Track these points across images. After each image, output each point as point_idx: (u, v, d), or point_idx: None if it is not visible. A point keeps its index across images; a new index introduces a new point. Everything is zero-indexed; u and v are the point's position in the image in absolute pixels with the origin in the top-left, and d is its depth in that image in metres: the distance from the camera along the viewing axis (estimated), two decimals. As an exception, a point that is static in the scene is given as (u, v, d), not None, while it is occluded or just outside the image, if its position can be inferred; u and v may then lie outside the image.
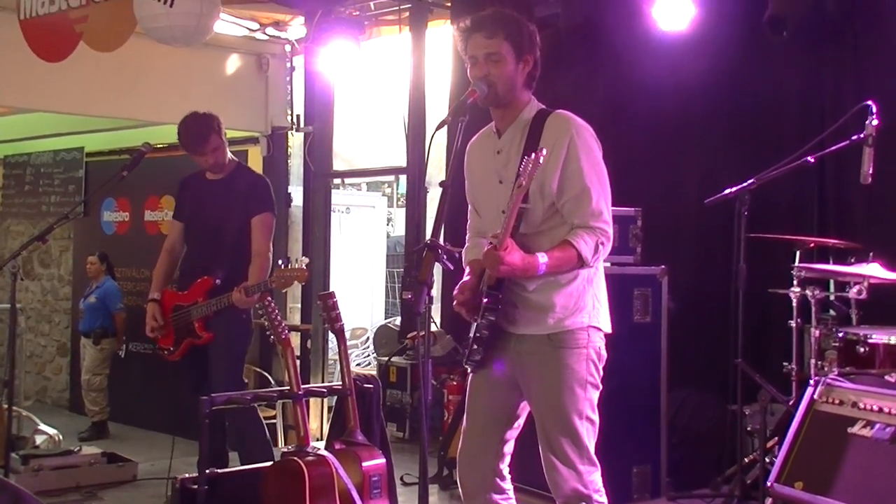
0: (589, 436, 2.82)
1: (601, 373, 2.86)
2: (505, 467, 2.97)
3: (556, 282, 2.81)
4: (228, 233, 4.41)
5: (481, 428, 2.95)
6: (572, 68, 5.12)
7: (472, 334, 2.87)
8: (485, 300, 2.79)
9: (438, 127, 2.80)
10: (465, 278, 2.94)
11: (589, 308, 2.85)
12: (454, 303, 2.89)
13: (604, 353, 2.88)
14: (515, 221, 2.69)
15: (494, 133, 2.95)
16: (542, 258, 2.69)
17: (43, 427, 5.72)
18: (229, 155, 4.59)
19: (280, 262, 4.08)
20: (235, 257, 4.38)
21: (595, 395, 2.84)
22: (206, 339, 4.38)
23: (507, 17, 2.86)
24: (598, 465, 2.84)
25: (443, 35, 6.36)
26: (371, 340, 8.83)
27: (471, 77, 2.84)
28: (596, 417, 2.84)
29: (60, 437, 5.69)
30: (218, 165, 4.50)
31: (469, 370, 2.98)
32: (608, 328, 2.92)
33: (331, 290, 4.29)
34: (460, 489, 3.00)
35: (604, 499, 2.84)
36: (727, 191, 4.05)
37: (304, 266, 4.00)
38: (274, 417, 6.11)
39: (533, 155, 2.61)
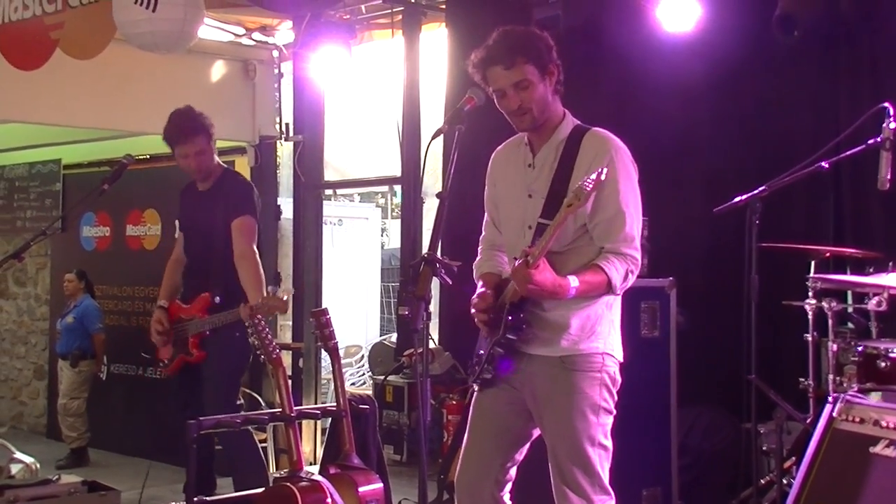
0: (602, 463, 2.80)
1: (615, 398, 2.85)
2: (506, 495, 2.95)
3: (575, 302, 2.79)
4: (217, 245, 4.42)
5: (483, 452, 2.93)
6: (573, 72, 5.09)
7: (484, 351, 2.86)
8: (509, 318, 2.77)
9: (434, 136, 2.81)
10: (480, 290, 2.92)
11: (605, 334, 2.85)
12: (473, 311, 2.87)
13: (618, 377, 2.87)
14: (543, 239, 2.66)
15: (527, 145, 2.94)
16: (574, 282, 2.67)
17: (19, 455, 5.66)
18: (217, 161, 4.60)
19: (270, 289, 4.12)
20: (229, 270, 4.37)
21: (609, 421, 2.83)
22: (197, 358, 4.39)
23: (518, 37, 2.82)
24: (612, 494, 2.83)
25: (437, 39, 6.38)
26: (366, 359, 8.81)
27: (501, 108, 2.84)
28: (609, 444, 2.83)
29: (38, 465, 5.63)
30: (200, 172, 4.50)
31: (475, 388, 2.96)
32: (621, 357, 2.91)
33: (323, 306, 4.29)
34: None
35: None
36: (737, 199, 4.05)
37: (285, 298, 4.01)
38: (264, 441, 6.08)
39: (594, 175, 2.58)
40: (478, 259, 3.07)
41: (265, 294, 4.09)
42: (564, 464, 2.79)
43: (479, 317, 2.86)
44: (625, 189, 2.78)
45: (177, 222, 4.98)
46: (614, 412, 2.85)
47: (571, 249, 2.79)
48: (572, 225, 2.76)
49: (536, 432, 2.93)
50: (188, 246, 4.64)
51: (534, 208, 2.83)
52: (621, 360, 2.91)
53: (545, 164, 2.86)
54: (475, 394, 2.98)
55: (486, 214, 3.10)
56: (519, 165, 2.94)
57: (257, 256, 4.40)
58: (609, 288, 2.73)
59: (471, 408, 3.00)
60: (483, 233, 3.11)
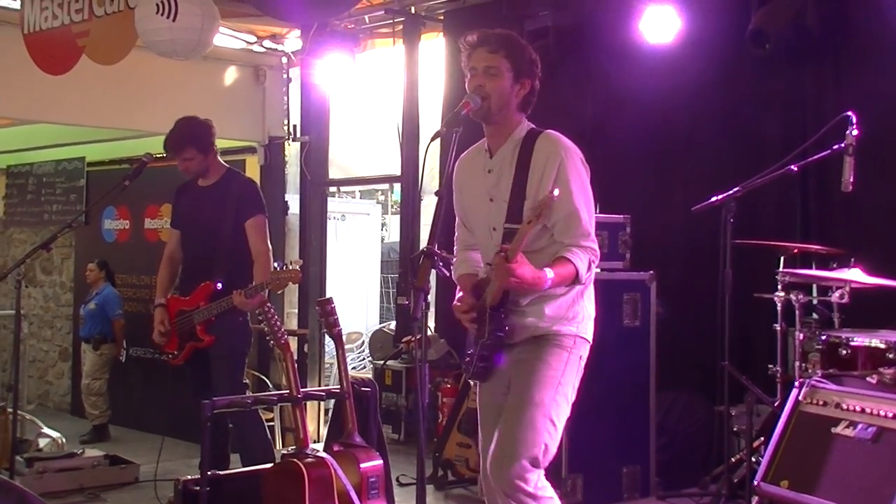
0: (543, 433, 2.74)
1: (576, 386, 2.84)
2: None
3: (548, 295, 2.82)
4: (223, 237, 4.43)
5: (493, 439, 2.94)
6: (562, 81, 5.14)
7: (475, 350, 2.87)
8: (491, 318, 2.79)
9: (433, 138, 2.79)
10: (460, 294, 2.94)
11: (578, 319, 2.88)
12: (458, 315, 2.89)
13: (582, 365, 2.87)
14: (510, 241, 2.69)
15: (486, 151, 2.96)
16: (549, 273, 2.70)
17: (46, 430, 5.70)
18: (219, 160, 4.61)
19: (276, 264, 4.11)
20: (233, 260, 4.40)
21: (564, 403, 2.80)
22: (207, 342, 4.39)
23: (512, 39, 2.90)
24: (541, 467, 2.75)
25: (435, 47, 6.38)
26: (366, 344, 8.82)
27: (468, 88, 2.85)
28: (559, 424, 2.78)
29: (63, 440, 5.67)
30: (193, 174, 4.52)
31: (473, 383, 2.97)
32: (590, 338, 2.92)
33: (327, 295, 4.29)
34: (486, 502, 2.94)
35: (535, 495, 2.71)
36: (713, 198, 4.07)
37: (297, 268, 4.02)
38: (271, 420, 6.09)
39: (548, 194, 2.62)
40: (455, 260, 3.09)
41: (274, 270, 4.09)
42: (508, 416, 2.78)
43: (463, 318, 2.89)
44: (576, 189, 2.81)
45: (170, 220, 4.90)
46: (571, 399, 2.82)
47: (536, 250, 2.82)
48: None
49: None
50: (187, 241, 4.61)
51: (497, 212, 2.86)
52: (590, 341, 2.90)
53: (503, 165, 2.89)
54: (477, 387, 3.00)
55: (457, 217, 3.12)
56: (479, 172, 2.96)
57: (270, 253, 4.45)
58: (576, 277, 2.77)
59: (477, 403, 3.01)
60: (456, 233, 3.13)
